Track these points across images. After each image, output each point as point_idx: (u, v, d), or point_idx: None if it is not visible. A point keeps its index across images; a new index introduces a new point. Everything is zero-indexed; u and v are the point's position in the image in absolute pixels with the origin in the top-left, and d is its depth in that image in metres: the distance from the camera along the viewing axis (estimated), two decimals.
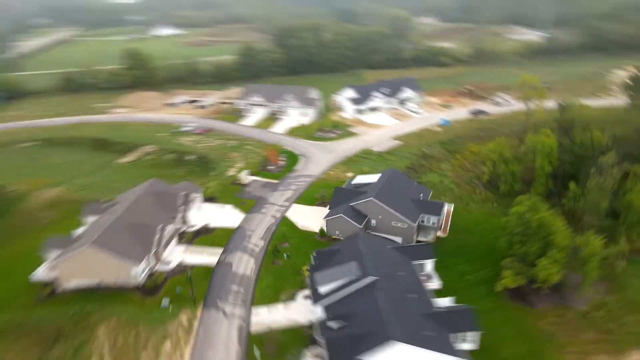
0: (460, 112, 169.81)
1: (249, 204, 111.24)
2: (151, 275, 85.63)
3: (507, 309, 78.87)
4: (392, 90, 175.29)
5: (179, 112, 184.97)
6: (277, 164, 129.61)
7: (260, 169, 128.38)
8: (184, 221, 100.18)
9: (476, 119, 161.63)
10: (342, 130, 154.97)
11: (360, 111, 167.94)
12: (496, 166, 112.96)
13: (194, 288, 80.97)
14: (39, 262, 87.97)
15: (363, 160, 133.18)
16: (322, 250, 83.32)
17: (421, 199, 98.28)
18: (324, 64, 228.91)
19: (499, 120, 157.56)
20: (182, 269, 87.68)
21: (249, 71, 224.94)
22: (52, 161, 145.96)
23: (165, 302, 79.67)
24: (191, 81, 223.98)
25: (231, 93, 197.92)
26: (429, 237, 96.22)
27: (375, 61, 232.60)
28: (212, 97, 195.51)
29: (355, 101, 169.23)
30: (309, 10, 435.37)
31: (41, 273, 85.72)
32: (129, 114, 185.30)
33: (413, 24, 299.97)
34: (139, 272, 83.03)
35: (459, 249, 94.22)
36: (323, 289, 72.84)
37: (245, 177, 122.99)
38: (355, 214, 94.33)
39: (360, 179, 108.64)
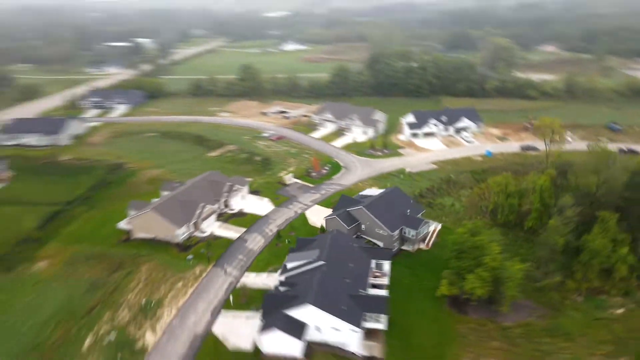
0: (512, 145, 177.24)
1: (282, 199, 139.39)
2: (189, 238, 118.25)
3: (440, 311, 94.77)
4: (451, 118, 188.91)
5: (268, 120, 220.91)
6: (319, 171, 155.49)
7: (304, 174, 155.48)
8: (226, 205, 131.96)
9: (523, 153, 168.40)
10: (391, 150, 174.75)
11: (415, 135, 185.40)
12: (499, 198, 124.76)
13: (212, 252, 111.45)
14: (124, 217, 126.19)
15: (392, 178, 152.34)
16: (303, 238, 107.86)
17: (408, 214, 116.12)
18: (407, 88, 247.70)
19: (544, 157, 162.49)
20: (211, 237, 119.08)
21: (339, 89, 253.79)
22: (162, 149, 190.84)
23: (190, 257, 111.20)
24: (290, 94, 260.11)
25: (313, 108, 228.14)
26: (410, 248, 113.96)
27: (458, 89, 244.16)
28: (298, 110, 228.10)
29: (413, 125, 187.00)
30: (426, 33, 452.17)
31: (123, 224, 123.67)
32: (229, 118, 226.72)
33: (516, 54, 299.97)
34: (179, 234, 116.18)
35: (431, 260, 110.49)
36: (289, 265, 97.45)
37: (289, 178, 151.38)
38: (349, 218, 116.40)
39: (367, 192, 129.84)
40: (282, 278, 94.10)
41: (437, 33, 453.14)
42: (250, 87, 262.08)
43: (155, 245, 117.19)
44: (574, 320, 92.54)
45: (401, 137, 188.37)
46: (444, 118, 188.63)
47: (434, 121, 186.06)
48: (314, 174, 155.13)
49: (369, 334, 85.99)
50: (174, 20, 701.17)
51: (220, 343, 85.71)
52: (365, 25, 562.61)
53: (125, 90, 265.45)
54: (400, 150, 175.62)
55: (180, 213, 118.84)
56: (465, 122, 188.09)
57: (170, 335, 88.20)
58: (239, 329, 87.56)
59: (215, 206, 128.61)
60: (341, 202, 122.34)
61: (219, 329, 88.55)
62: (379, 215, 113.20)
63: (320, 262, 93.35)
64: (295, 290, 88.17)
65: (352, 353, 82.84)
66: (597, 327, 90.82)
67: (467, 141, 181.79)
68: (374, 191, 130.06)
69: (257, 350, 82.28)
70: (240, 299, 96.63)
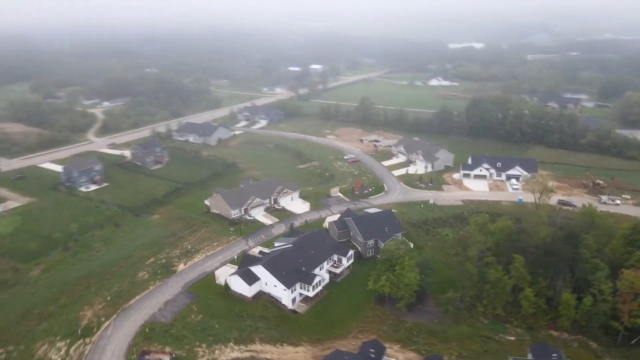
0: (553, 198, 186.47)
1: (319, 205, 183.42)
2: (239, 218, 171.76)
3: (364, 300, 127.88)
4: (505, 165, 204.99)
5: (359, 146, 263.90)
6: (360, 191, 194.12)
7: (350, 191, 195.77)
8: (275, 201, 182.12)
9: (554, 206, 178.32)
10: (435, 184, 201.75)
11: (467, 175, 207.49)
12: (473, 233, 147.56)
13: (246, 229, 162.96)
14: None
15: (415, 205, 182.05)
16: (297, 230, 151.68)
17: (385, 231, 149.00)
18: (499, 133, 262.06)
19: (574, 213, 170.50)
20: (253, 221, 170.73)
21: (438, 126, 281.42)
22: (269, 157, 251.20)
23: (232, 230, 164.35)
24: (395, 126, 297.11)
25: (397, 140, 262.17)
26: (379, 255, 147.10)
27: (550, 140, 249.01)
28: (389, 141, 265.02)
29: (467, 167, 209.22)
30: (590, 76, 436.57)
31: (206, 202, 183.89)
32: (331, 141, 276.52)
33: None
34: (233, 214, 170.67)
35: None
36: (276, 244, 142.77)
37: (334, 192, 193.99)
38: (343, 225, 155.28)
39: (370, 210, 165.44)
40: (264, 250, 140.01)
41: (598, 79, 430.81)
42: (362, 116, 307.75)
43: (218, 218, 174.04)
44: (460, 331, 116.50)
45: (455, 175, 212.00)
46: (498, 164, 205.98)
47: (486, 165, 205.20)
48: (356, 192, 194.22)
49: (306, 299, 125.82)
50: (357, 47, 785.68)
51: (213, 279, 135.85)
52: (528, 64, 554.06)
53: (269, 108, 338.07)
54: (444, 186, 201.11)
55: (236, 200, 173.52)
56: (517, 171, 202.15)
57: (191, 269, 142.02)
58: (227, 274, 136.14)
59: (266, 201, 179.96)
60: (344, 214, 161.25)
61: (218, 272, 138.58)
62: (360, 227, 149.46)
63: (289, 245, 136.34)
64: (262, 257, 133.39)
65: (284, 305, 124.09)
66: (475, 341, 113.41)
67: (514, 188, 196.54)
68: (373, 210, 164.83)
69: (227, 287, 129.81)
70: (243, 262, 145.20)
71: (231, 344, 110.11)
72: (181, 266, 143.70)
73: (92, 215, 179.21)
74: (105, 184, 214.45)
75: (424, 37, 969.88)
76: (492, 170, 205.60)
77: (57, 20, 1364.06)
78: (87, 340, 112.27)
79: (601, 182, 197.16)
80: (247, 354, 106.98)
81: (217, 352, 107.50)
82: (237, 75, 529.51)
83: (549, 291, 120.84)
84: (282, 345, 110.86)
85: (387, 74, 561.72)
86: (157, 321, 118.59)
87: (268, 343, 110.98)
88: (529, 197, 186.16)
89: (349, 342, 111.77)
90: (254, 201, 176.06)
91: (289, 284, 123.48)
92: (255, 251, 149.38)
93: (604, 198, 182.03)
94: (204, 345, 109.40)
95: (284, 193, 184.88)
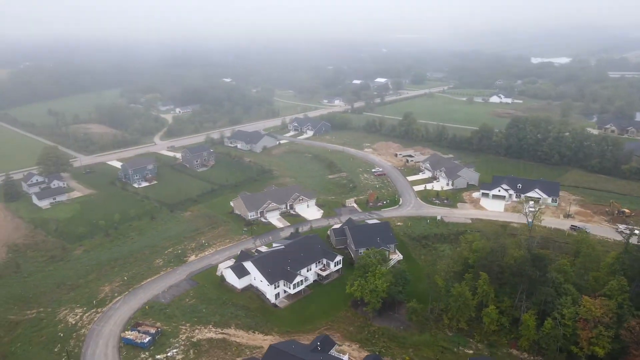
0: (565, 223, 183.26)
1: (332, 213, 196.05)
2: (255, 219, 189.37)
3: (341, 303, 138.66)
4: (526, 186, 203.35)
5: (392, 160, 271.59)
6: (374, 203, 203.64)
7: (365, 202, 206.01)
8: (290, 207, 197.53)
9: (563, 231, 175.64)
10: (451, 202, 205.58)
11: (485, 195, 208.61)
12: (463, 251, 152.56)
13: (257, 231, 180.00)
14: None
15: (421, 220, 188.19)
16: (295, 233, 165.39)
17: (378, 241, 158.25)
18: (536, 154, 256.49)
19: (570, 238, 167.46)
20: (266, 224, 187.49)
21: (475, 144, 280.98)
22: (304, 166, 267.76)
23: (245, 229, 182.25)
24: (435, 142, 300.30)
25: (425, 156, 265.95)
26: None
27: (590, 164, 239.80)
28: (421, 157, 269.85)
29: (485, 186, 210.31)
30: None
31: (231, 203, 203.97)
32: (366, 153, 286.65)
33: None
34: (249, 215, 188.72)
35: None
36: (274, 245, 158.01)
37: (350, 202, 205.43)
38: (341, 233, 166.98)
39: (370, 221, 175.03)
40: (260, 249, 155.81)
41: None
42: (405, 131, 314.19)
43: (237, 218, 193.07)
44: (421, 339, 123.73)
45: (475, 194, 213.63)
46: (519, 185, 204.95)
47: (505, 186, 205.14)
48: (370, 203, 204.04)
49: (290, 296, 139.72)
50: (432, 60, 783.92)
51: (215, 270, 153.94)
52: (606, 82, 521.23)
53: (317, 120, 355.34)
54: (459, 204, 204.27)
55: (253, 203, 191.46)
56: (537, 194, 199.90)
57: (199, 260, 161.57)
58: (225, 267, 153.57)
59: (282, 206, 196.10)
60: (345, 223, 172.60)
61: (221, 265, 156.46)
62: (354, 235, 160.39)
63: (282, 247, 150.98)
64: (256, 254, 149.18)
65: (267, 298, 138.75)
66: (432, 350, 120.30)
67: (530, 209, 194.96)
68: (372, 222, 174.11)
69: (222, 278, 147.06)
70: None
71: (210, 326, 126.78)
72: (192, 257, 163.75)
73: (134, 208, 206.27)
74: (155, 182, 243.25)
75: (512, 51, 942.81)
76: (512, 191, 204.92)
77: (151, 31, 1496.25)
78: (99, 310, 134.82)
79: (627, 210, 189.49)
80: (220, 336, 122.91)
81: (196, 331, 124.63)
82: (301, 87, 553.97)
83: (516, 311, 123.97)
84: (254, 332, 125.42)
85: (450, 89, 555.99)
86: (158, 301, 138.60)
87: (242, 329, 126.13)
88: (546, 222, 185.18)
89: (313, 336, 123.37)
90: (270, 205, 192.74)
91: (272, 280, 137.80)
92: (261, 250, 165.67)
93: (622, 227, 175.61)
94: (187, 325, 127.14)
95: (300, 200, 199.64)
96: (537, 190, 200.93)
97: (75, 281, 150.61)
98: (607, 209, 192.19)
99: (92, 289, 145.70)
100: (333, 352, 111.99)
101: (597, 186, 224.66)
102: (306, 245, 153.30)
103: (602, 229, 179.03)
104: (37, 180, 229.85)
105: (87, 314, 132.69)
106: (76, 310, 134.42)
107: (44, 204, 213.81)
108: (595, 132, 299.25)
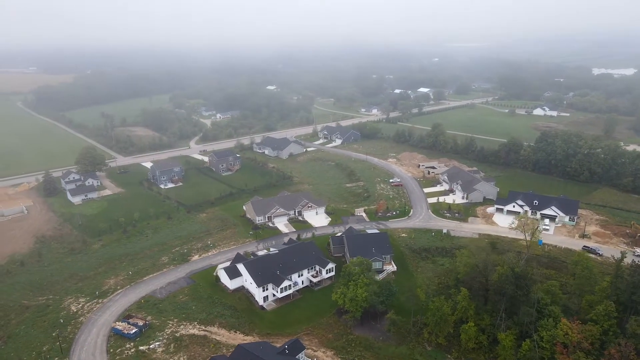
0: (579, 243, 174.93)
1: (339, 221, 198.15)
2: (263, 223, 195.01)
3: (327, 310, 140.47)
4: (542, 203, 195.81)
5: (413, 171, 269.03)
6: (383, 212, 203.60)
7: (374, 212, 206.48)
8: (299, 213, 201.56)
9: (573, 251, 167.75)
10: (462, 215, 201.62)
11: (500, 210, 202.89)
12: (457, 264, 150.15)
13: (262, 235, 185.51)
14: None
15: (427, 232, 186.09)
16: (292, 239, 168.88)
17: (373, 251, 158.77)
18: (565, 170, 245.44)
19: (596, 262, 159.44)
20: (272, 228, 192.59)
21: (502, 157, 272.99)
22: (324, 174, 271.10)
23: (251, 232, 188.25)
24: (462, 154, 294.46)
25: (465, 169, 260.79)
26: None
27: (622, 183, 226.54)
28: (443, 169, 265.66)
29: (500, 201, 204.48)
30: None
31: (244, 207, 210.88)
32: (389, 163, 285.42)
33: None
34: (257, 219, 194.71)
35: None
36: (272, 250, 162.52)
37: (358, 211, 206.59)
38: (340, 241, 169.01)
39: (370, 231, 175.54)
40: (257, 253, 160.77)
41: None
42: (433, 142, 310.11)
43: (247, 222, 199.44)
44: (397, 351, 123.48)
45: (489, 209, 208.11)
46: (535, 202, 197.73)
47: (520, 202, 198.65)
48: (379, 213, 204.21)
49: (278, 299, 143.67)
50: (483, 69, 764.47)
51: (213, 271, 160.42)
52: None
53: (346, 129, 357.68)
54: (470, 218, 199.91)
55: (261, 208, 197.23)
56: (553, 211, 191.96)
57: (202, 260, 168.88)
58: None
59: (290, 212, 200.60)
60: (345, 231, 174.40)
61: (220, 266, 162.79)
62: (350, 244, 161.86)
63: (276, 252, 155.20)
64: (250, 258, 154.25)
65: (256, 301, 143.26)
66: None
67: (544, 228, 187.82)
68: (372, 231, 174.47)
69: (217, 278, 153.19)
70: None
71: (195, 323, 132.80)
72: (195, 257, 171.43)
73: (154, 207, 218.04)
74: (180, 184, 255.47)
75: (576, 60, 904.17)
76: (527, 208, 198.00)
77: (206, 40, 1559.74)
78: (100, 300, 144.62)
79: None
80: (202, 333, 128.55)
81: (182, 326, 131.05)
82: (340, 95, 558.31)
83: (496, 330, 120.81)
84: (235, 332, 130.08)
85: (495, 100, 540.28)
86: (154, 296, 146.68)
87: (224, 328, 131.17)
88: (558, 241, 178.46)
89: (289, 339, 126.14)
90: (278, 211, 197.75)
91: (260, 282, 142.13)
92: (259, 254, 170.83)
93: (639, 250, 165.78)
94: (175, 320, 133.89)
95: (308, 207, 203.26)
96: (553, 207, 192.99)
97: (87, 273, 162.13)
98: (628, 231, 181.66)
99: (99, 280, 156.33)
100: (302, 356, 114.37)
101: (626, 206, 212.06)
102: (300, 251, 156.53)
103: (618, 252, 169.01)
104: (73, 177, 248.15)
105: (88, 304, 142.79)
106: (80, 300, 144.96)
107: (76, 200, 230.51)
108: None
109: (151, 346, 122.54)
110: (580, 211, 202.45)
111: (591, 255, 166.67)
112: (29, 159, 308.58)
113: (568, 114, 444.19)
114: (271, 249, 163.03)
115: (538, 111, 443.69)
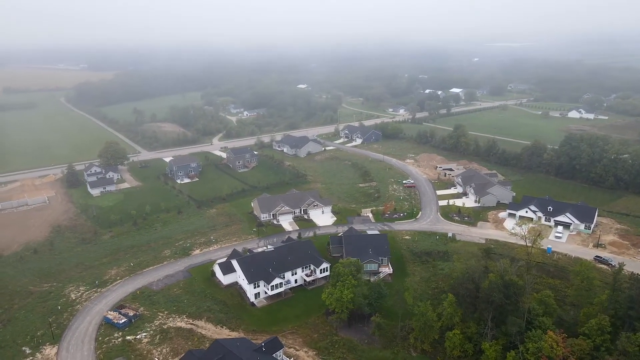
0: (591, 253, 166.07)
1: (344, 221, 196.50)
2: (268, 221, 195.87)
3: (316, 310, 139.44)
4: (556, 209, 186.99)
5: (429, 172, 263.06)
6: (390, 214, 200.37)
7: (381, 213, 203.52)
8: (304, 212, 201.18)
9: (585, 261, 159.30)
10: (472, 219, 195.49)
11: (512, 215, 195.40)
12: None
13: (265, 232, 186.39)
14: None
15: (432, 235, 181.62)
16: (290, 237, 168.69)
17: (370, 252, 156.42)
18: (589, 175, 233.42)
19: (607, 273, 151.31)
20: (277, 226, 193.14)
21: (525, 160, 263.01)
22: (339, 173, 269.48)
23: (254, 229, 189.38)
24: (483, 157, 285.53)
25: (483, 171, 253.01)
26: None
27: None
28: (460, 171, 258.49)
29: (513, 206, 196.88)
30: None
31: (252, 204, 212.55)
32: (406, 164, 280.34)
33: None
34: (262, 216, 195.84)
35: None
36: (269, 247, 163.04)
37: (365, 212, 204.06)
38: (339, 241, 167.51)
39: (370, 232, 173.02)
40: (255, 250, 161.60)
41: None
42: (454, 143, 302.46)
43: (253, 218, 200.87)
44: (380, 355, 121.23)
45: (501, 214, 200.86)
46: (550, 207, 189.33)
47: (534, 207, 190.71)
48: (386, 214, 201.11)
49: (270, 297, 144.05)
50: (522, 70, 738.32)
51: (211, 265, 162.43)
52: None
53: (367, 128, 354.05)
54: (480, 223, 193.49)
55: (267, 206, 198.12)
56: (567, 218, 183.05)
57: (202, 254, 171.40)
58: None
59: (296, 210, 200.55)
60: (345, 232, 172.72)
61: (218, 261, 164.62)
62: (347, 245, 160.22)
63: (271, 249, 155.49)
64: (246, 254, 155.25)
65: (247, 297, 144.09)
66: None
67: (557, 235, 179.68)
68: (372, 232, 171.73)
69: (212, 273, 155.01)
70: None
71: (184, 316, 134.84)
72: (197, 251, 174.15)
73: (166, 201, 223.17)
74: (196, 179, 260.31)
75: (625, 61, 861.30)
76: (540, 214, 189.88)
77: (243, 39, 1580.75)
78: (99, 290, 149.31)
79: None
80: (189, 326, 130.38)
81: (170, 318, 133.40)
82: (368, 94, 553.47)
83: (483, 339, 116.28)
84: (222, 327, 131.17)
85: (530, 101, 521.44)
86: (150, 288, 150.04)
87: (211, 322, 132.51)
88: (571, 250, 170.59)
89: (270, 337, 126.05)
90: (282, 209, 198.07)
91: (251, 279, 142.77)
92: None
93: None
94: (165, 312, 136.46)
95: (313, 206, 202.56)
96: (568, 214, 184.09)
97: (91, 263, 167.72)
98: None
99: (102, 270, 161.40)
100: (280, 354, 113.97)
101: None
102: (295, 250, 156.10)
103: (634, 264, 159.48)
104: (95, 170, 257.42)
105: (87, 292, 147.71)
106: (80, 288, 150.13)
107: (95, 192, 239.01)
108: None
109: (137, 336, 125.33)
110: (600, 219, 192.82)
111: (602, 265, 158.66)
112: (59, 152, 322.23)
113: (606, 117, 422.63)
114: (268, 247, 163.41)
115: (573, 113, 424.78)
